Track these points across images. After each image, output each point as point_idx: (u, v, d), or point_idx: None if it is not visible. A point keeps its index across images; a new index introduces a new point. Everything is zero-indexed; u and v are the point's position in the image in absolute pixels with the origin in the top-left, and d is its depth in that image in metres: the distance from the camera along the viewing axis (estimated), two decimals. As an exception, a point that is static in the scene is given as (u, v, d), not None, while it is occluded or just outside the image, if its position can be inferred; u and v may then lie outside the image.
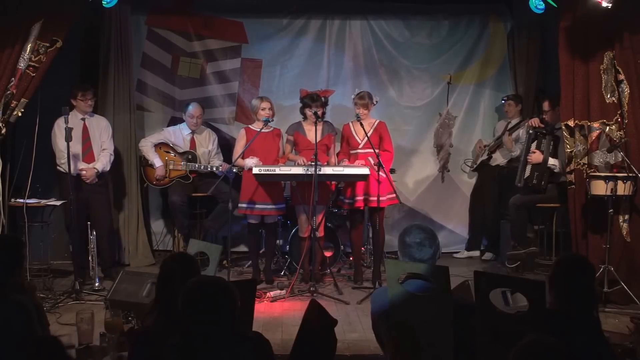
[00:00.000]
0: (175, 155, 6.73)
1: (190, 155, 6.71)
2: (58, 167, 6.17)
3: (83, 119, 6.28)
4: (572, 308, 2.90)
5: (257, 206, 6.14)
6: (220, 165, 6.62)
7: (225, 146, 7.16)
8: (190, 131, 6.80)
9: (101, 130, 6.39)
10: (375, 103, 6.26)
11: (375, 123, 6.29)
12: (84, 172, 6.16)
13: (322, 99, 6.31)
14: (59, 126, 6.09)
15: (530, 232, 6.55)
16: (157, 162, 6.64)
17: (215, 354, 2.38)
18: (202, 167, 6.64)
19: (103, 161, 6.31)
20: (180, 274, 2.93)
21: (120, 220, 6.97)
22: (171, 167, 6.67)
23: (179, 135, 6.81)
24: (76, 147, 6.17)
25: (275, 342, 3.24)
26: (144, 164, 6.79)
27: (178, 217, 6.69)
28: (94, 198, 6.29)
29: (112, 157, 6.45)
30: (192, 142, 6.80)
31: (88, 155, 6.28)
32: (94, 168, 6.22)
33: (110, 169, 6.50)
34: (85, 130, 6.29)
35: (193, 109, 6.76)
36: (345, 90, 7.06)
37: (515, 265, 6.43)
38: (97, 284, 5.87)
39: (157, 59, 7.43)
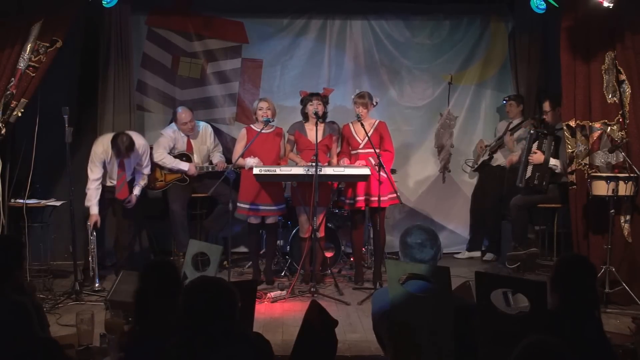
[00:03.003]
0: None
1: (184, 158, 6.59)
2: None
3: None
4: (574, 309, 2.89)
5: (256, 207, 6.13)
6: (217, 164, 6.58)
7: (226, 147, 7.15)
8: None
9: (137, 152, 6.19)
10: (375, 104, 6.25)
11: (376, 123, 6.27)
12: (127, 203, 6.22)
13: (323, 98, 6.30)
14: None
15: (531, 233, 6.54)
16: (184, 165, 6.51)
17: (216, 355, 2.37)
18: (197, 168, 6.57)
19: (142, 184, 6.35)
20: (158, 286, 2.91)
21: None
22: (166, 171, 6.60)
23: (179, 137, 6.64)
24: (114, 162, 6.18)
25: (275, 343, 3.23)
26: None
27: (179, 233, 6.53)
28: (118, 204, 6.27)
29: (148, 170, 6.42)
30: (189, 143, 6.66)
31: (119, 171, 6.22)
32: (135, 195, 6.28)
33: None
34: None
35: (184, 114, 6.52)
36: (346, 91, 7.05)
37: (516, 265, 6.42)
38: (97, 285, 5.86)
39: (158, 59, 7.41)
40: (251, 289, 3.55)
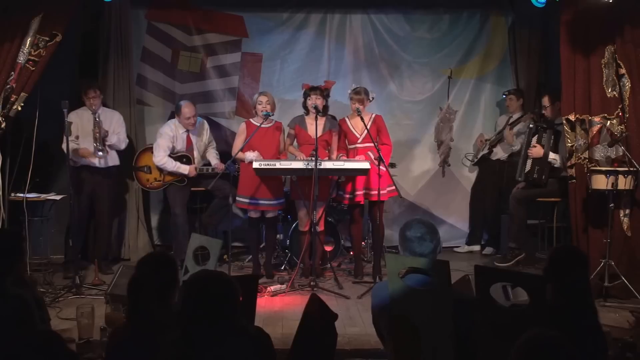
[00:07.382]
0: None
1: (184, 159, 6.49)
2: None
3: (95, 114, 6.20)
4: (568, 298, 2.91)
5: (256, 201, 6.14)
6: (216, 166, 6.53)
7: (225, 141, 7.14)
8: (185, 129, 6.58)
9: (113, 124, 6.37)
10: (371, 99, 6.24)
11: (373, 116, 6.26)
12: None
13: (323, 91, 6.28)
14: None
15: (527, 239, 6.56)
16: (185, 169, 6.43)
17: (215, 348, 2.37)
18: (197, 170, 6.52)
19: (112, 139, 6.33)
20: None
21: (121, 214, 6.97)
22: (165, 172, 6.51)
23: (178, 134, 6.52)
24: (88, 142, 6.21)
25: (275, 337, 3.24)
26: (135, 168, 6.67)
27: (179, 238, 6.45)
28: (99, 193, 6.32)
29: (125, 142, 6.48)
30: (188, 139, 6.56)
31: None
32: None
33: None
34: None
35: (187, 109, 6.40)
36: (346, 85, 7.03)
37: (508, 264, 6.52)
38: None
39: (157, 53, 7.40)
40: (253, 284, 3.55)
